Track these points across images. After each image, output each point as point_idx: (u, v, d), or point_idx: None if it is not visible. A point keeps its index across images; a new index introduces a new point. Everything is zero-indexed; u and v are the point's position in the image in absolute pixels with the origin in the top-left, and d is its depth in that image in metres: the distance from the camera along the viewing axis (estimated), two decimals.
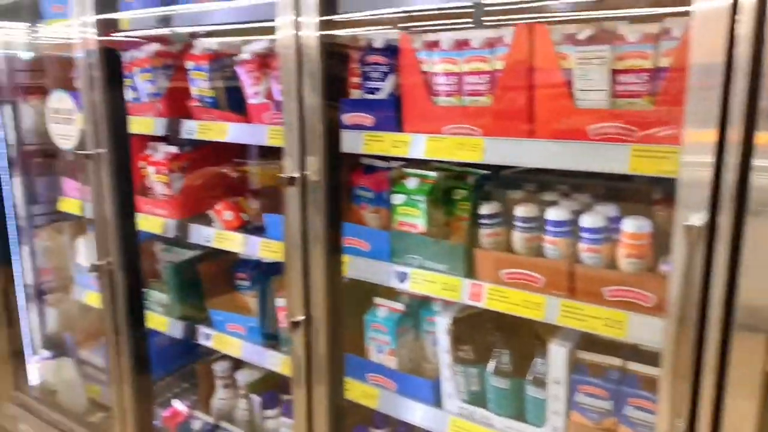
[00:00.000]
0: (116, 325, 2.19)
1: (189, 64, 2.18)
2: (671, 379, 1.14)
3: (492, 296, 1.59)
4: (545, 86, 1.43)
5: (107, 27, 2.02)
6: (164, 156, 2.40)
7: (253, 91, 2.05)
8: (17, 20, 2.73)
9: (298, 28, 1.48)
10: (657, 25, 1.29)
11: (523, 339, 1.69)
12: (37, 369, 2.84)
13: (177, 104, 2.29)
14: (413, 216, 1.74)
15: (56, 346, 2.98)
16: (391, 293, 1.94)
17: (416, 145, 1.63)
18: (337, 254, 1.61)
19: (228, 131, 2.11)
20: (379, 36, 1.74)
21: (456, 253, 1.65)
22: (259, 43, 2.03)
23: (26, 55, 2.95)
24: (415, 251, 1.73)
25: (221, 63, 2.17)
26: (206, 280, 2.40)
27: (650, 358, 1.37)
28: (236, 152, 2.63)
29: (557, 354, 1.54)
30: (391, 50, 1.70)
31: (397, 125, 1.70)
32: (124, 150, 2.10)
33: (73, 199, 2.73)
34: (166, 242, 2.66)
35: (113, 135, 2.04)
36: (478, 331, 1.75)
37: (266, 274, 2.31)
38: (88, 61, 2.00)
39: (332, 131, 1.54)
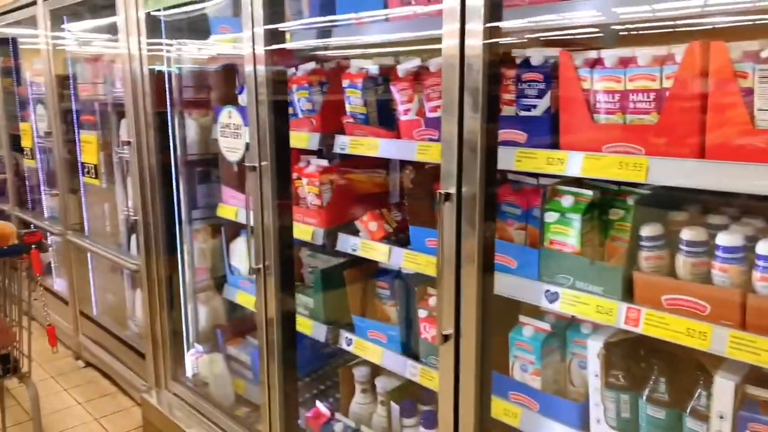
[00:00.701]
0: (268, 325, 2.33)
1: (344, 83, 2.29)
2: None
3: (650, 322, 1.53)
4: (720, 105, 1.37)
5: (273, 45, 2.16)
6: (316, 168, 2.53)
7: (404, 108, 2.12)
8: (187, 37, 3.00)
9: (463, 37, 1.51)
10: None
11: (682, 368, 1.60)
12: (191, 362, 3.08)
13: (330, 120, 2.41)
14: (566, 235, 1.71)
15: (208, 341, 3.22)
16: (534, 311, 1.92)
17: (573, 162, 1.61)
18: (488, 270, 1.62)
19: (379, 146, 2.19)
20: (535, 52, 1.74)
21: (613, 275, 1.60)
22: (412, 62, 2.10)
23: (192, 70, 3.22)
24: (567, 271, 1.70)
25: (374, 81, 2.26)
26: (350, 286, 2.50)
27: None
28: (382, 166, 2.73)
29: (724, 387, 1.45)
30: (549, 67, 1.69)
31: (552, 142, 1.69)
32: (284, 162, 2.23)
33: (230, 206, 2.95)
34: (311, 248, 2.80)
35: (276, 148, 2.18)
36: (632, 357, 1.69)
37: (408, 284, 2.37)
38: (255, 77, 2.15)
39: (489, 148, 1.56)
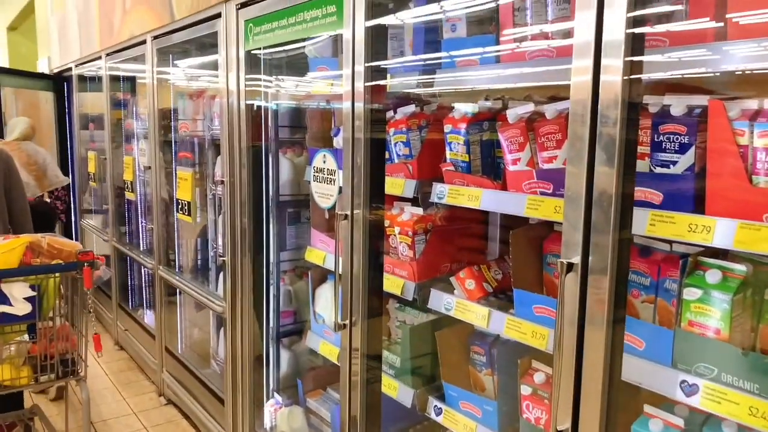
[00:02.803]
0: (351, 387, 2.14)
1: (446, 127, 2.11)
2: None
3: None
4: None
5: (374, 86, 2.02)
6: (410, 217, 2.35)
7: (513, 158, 1.91)
8: (285, 74, 2.94)
9: (597, 74, 1.29)
10: None
11: None
12: (269, 413, 2.94)
13: (427, 166, 2.25)
14: (711, 316, 1.43)
15: (287, 391, 3.08)
16: (660, 399, 1.62)
17: (723, 231, 1.34)
18: (616, 352, 1.36)
19: (481, 198, 1.98)
20: (675, 100, 1.49)
21: None
22: (524, 107, 1.89)
23: (288, 109, 3.17)
24: (711, 360, 1.41)
25: (479, 127, 2.07)
26: (442, 348, 2.27)
27: None
28: (481, 218, 2.52)
29: None
30: (694, 117, 1.44)
31: (695, 206, 1.43)
32: (378, 210, 2.07)
33: (318, 250, 2.82)
34: (400, 301, 2.61)
35: (370, 194, 2.02)
36: None
37: (508, 353, 2.12)
38: (353, 118, 2.02)
39: (623, 209, 1.32)
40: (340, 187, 2.16)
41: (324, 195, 2.29)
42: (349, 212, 2.08)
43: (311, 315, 2.99)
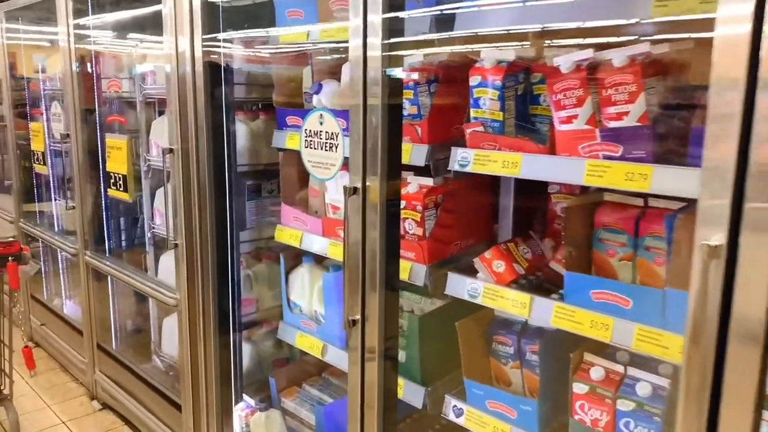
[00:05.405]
0: (366, 395, 1.79)
1: (473, 80, 1.76)
2: None
3: None
4: None
5: (391, 33, 1.63)
6: (418, 189, 2.00)
7: (567, 115, 1.59)
8: (245, 28, 2.47)
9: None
10: None
11: None
12: (239, 419, 2.53)
13: (440, 128, 1.90)
14: None
15: (258, 392, 2.67)
16: None
17: None
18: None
19: (521, 164, 1.66)
20: None
21: None
22: (581, 53, 1.57)
23: (247, 64, 2.70)
24: None
25: (515, 79, 1.74)
26: (464, 339, 1.96)
27: None
28: (491, 186, 2.21)
29: None
30: None
31: None
32: (394, 182, 1.70)
33: (293, 230, 2.41)
34: (403, 287, 2.26)
35: (386, 163, 1.65)
36: None
37: (550, 345, 1.84)
38: (365, 73, 1.62)
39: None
40: (346, 157, 1.77)
41: (320, 164, 1.88)
42: (359, 185, 1.70)
43: (284, 303, 2.59)
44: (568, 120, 1.59)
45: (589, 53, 1.56)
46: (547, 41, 1.78)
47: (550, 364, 1.82)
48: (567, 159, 1.58)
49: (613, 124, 1.51)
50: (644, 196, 1.64)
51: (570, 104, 1.57)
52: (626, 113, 1.49)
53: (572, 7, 1.65)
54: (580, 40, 1.76)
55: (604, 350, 1.74)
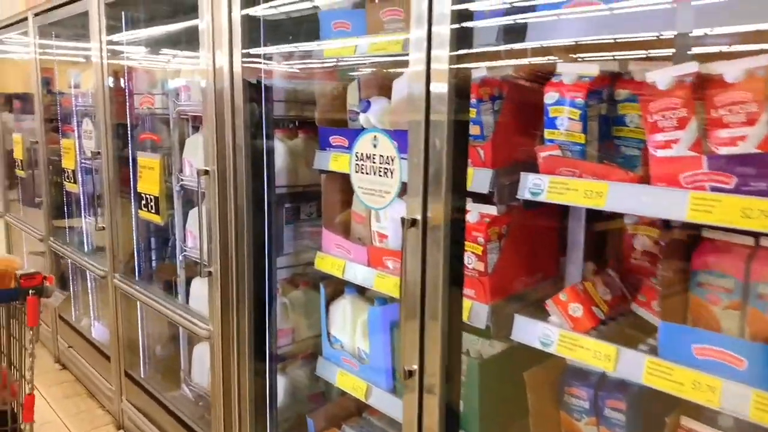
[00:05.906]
0: None
1: (549, 97, 1.54)
2: None
3: None
4: None
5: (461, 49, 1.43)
6: (478, 218, 1.78)
7: (665, 139, 1.37)
8: (287, 42, 2.29)
9: None
10: None
11: None
12: None
13: (505, 150, 1.69)
14: None
15: (292, 429, 2.47)
16: None
17: None
18: None
19: (607, 194, 1.44)
20: None
21: None
22: (684, 67, 1.34)
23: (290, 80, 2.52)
24: None
25: (599, 97, 1.52)
26: (532, 391, 1.73)
27: None
28: (560, 216, 1.98)
29: None
30: None
31: None
32: (459, 213, 1.49)
33: (335, 258, 2.22)
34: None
35: (450, 191, 1.44)
36: None
37: (637, 402, 1.60)
38: (429, 89, 1.41)
39: None
40: (404, 182, 1.56)
41: (373, 192, 1.68)
42: (419, 216, 1.49)
43: (324, 337, 2.38)
44: (667, 145, 1.36)
45: (693, 66, 1.33)
46: (633, 52, 1.56)
47: (637, 425, 1.58)
48: (665, 190, 1.36)
49: (724, 150, 1.28)
50: (756, 234, 1.40)
51: (670, 127, 1.35)
52: (742, 138, 1.26)
53: (666, 14, 1.43)
54: (666, 51, 1.55)
55: (704, 412, 1.49)
